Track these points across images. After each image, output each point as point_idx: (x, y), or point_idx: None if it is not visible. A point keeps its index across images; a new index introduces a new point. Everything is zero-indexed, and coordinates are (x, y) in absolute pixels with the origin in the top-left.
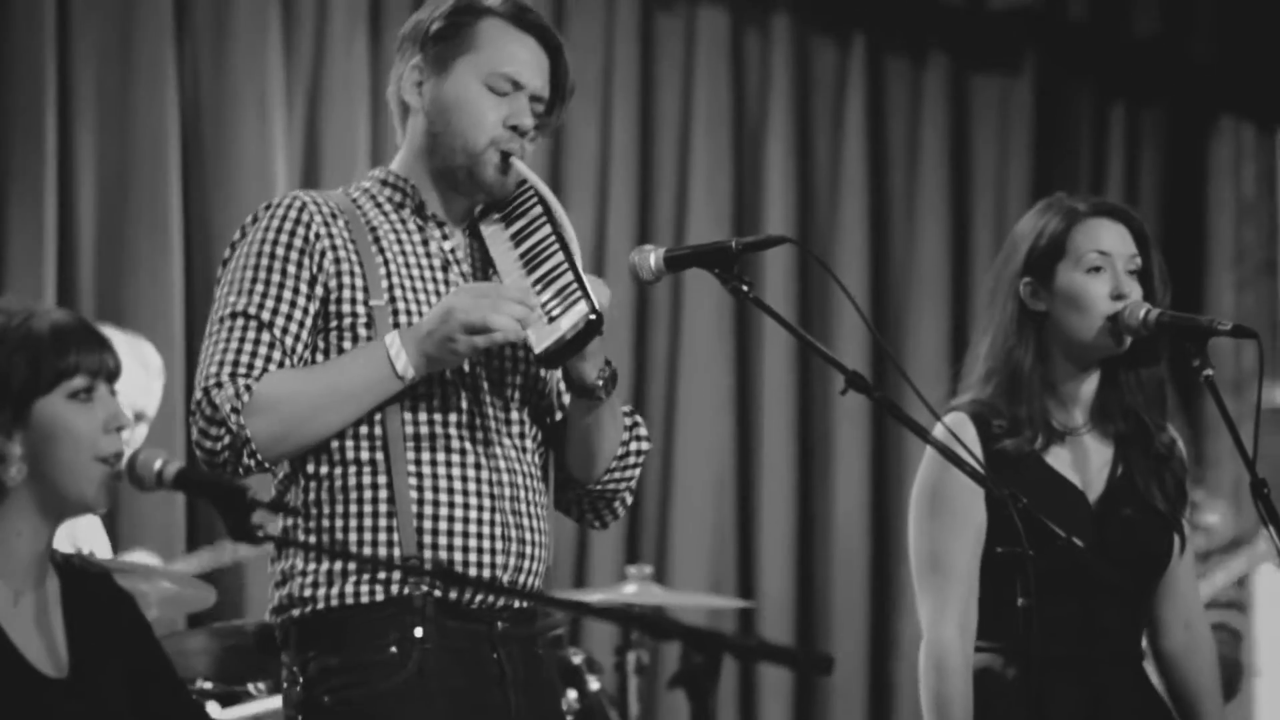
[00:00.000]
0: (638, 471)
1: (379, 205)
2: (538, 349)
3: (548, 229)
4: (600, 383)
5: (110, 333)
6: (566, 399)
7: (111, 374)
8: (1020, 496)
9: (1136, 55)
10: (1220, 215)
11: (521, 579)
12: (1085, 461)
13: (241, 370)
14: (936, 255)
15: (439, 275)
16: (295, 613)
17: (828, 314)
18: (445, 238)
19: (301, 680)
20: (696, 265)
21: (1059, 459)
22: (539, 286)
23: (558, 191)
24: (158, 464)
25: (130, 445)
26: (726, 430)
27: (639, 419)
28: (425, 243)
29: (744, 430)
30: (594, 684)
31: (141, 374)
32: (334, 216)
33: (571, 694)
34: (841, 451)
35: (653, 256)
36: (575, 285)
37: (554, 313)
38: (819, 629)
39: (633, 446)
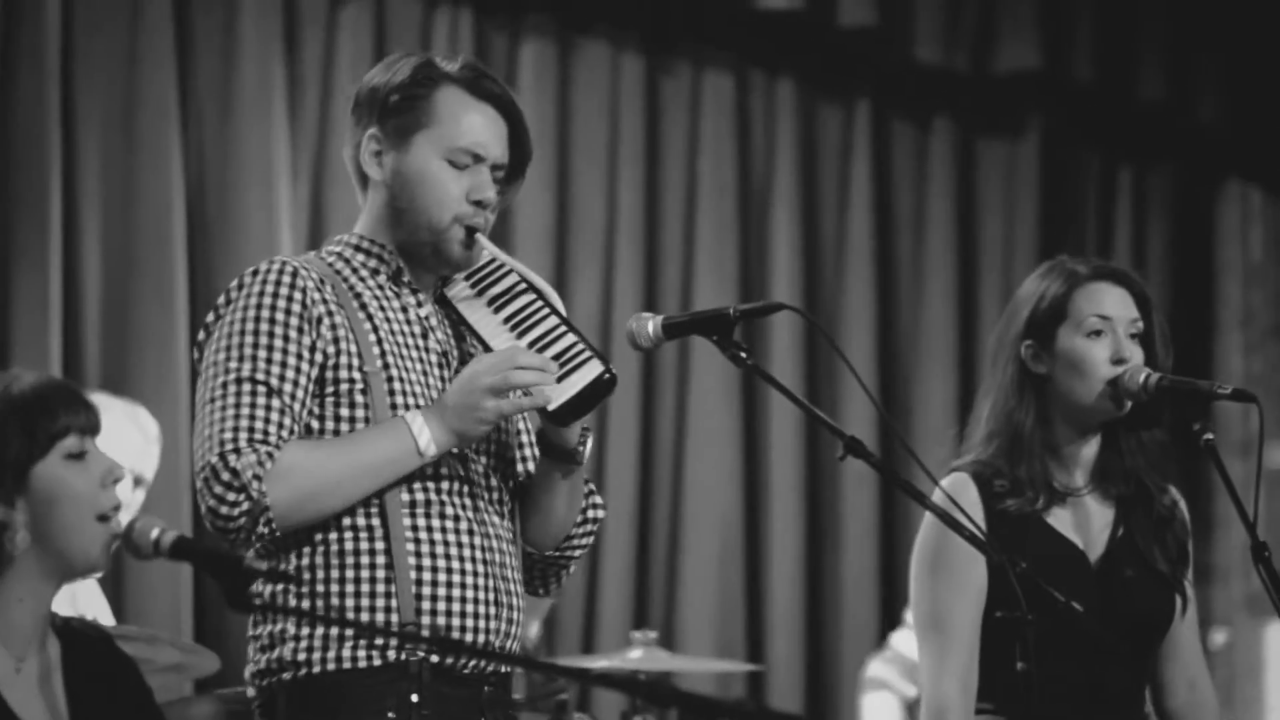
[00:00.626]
0: (591, 540)
1: (355, 270)
2: (550, 406)
3: (530, 294)
4: (580, 448)
5: (106, 399)
6: (530, 466)
7: (95, 430)
8: (1019, 561)
9: (1143, 118)
10: (1228, 278)
11: (509, 644)
12: (1087, 523)
13: (258, 436)
14: (943, 320)
15: (420, 342)
16: (286, 676)
17: (834, 379)
18: (419, 304)
19: None
20: (694, 333)
21: (1060, 520)
22: (536, 349)
23: (563, 259)
24: (155, 532)
25: (128, 510)
26: (734, 496)
27: (594, 488)
28: (404, 309)
29: (751, 496)
30: None
31: (139, 439)
32: (322, 282)
33: None
34: (850, 516)
35: (650, 324)
36: (581, 344)
37: (562, 372)
38: (828, 693)
39: (590, 514)
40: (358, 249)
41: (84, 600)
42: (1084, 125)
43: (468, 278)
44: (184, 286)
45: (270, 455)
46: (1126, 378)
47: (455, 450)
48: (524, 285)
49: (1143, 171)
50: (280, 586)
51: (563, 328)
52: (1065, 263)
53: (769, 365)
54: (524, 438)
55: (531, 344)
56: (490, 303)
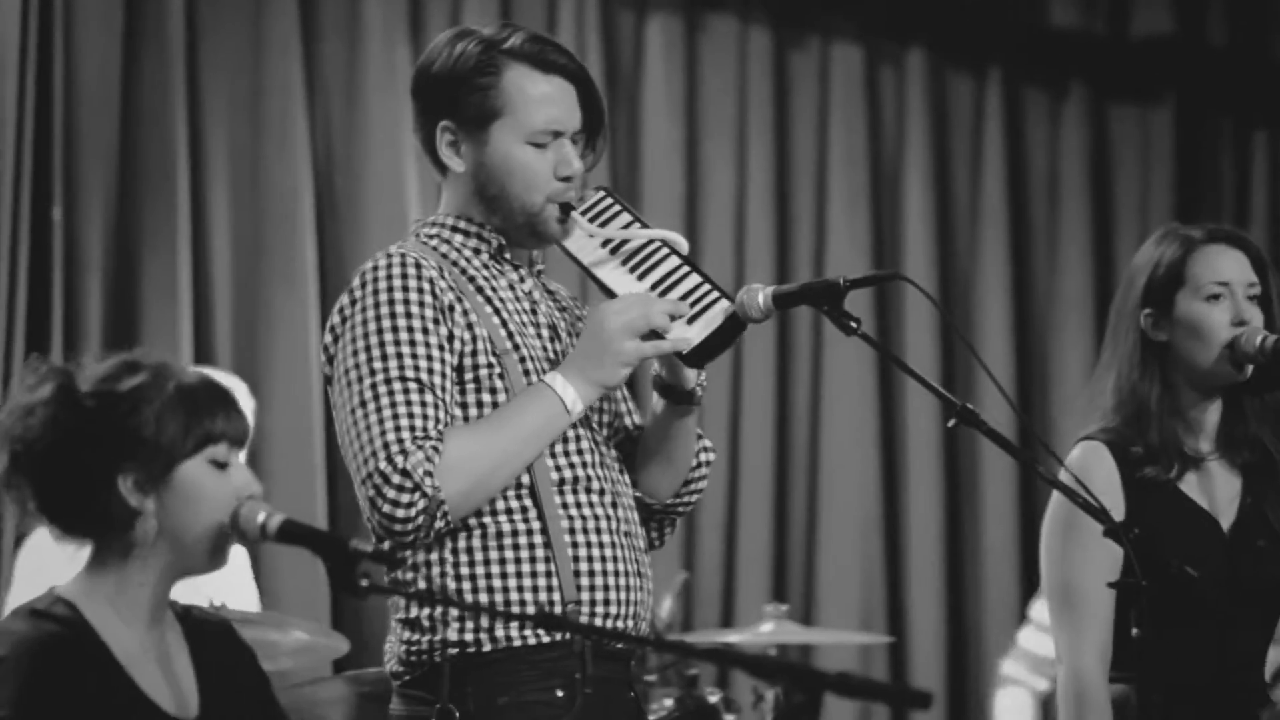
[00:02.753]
0: (705, 484)
1: (459, 251)
2: (685, 349)
3: (640, 232)
4: (699, 388)
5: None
6: (635, 419)
7: (242, 441)
8: (1132, 527)
9: (1278, 81)
10: None
11: (647, 614)
12: (1216, 490)
13: (420, 434)
14: (1079, 286)
15: (531, 317)
16: (452, 652)
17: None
18: (521, 280)
19: (458, 717)
20: (805, 303)
21: (1192, 487)
22: (659, 292)
23: (695, 233)
24: (261, 516)
25: None
26: (872, 467)
27: (700, 431)
28: (510, 286)
29: (889, 467)
30: None
31: None
32: (439, 270)
33: None
34: (989, 485)
35: (761, 295)
36: (706, 284)
37: (692, 313)
38: (969, 665)
39: (702, 458)
40: (455, 230)
41: (232, 581)
42: (1219, 89)
43: (582, 214)
44: (313, 269)
45: (436, 449)
46: (1244, 340)
47: (588, 423)
48: (637, 224)
49: (1278, 135)
50: (436, 570)
51: (685, 267)
52: (1178, 229)
53: (904, 334)
54: (622, 394)
55: (654, 286)
56: (606, 244)
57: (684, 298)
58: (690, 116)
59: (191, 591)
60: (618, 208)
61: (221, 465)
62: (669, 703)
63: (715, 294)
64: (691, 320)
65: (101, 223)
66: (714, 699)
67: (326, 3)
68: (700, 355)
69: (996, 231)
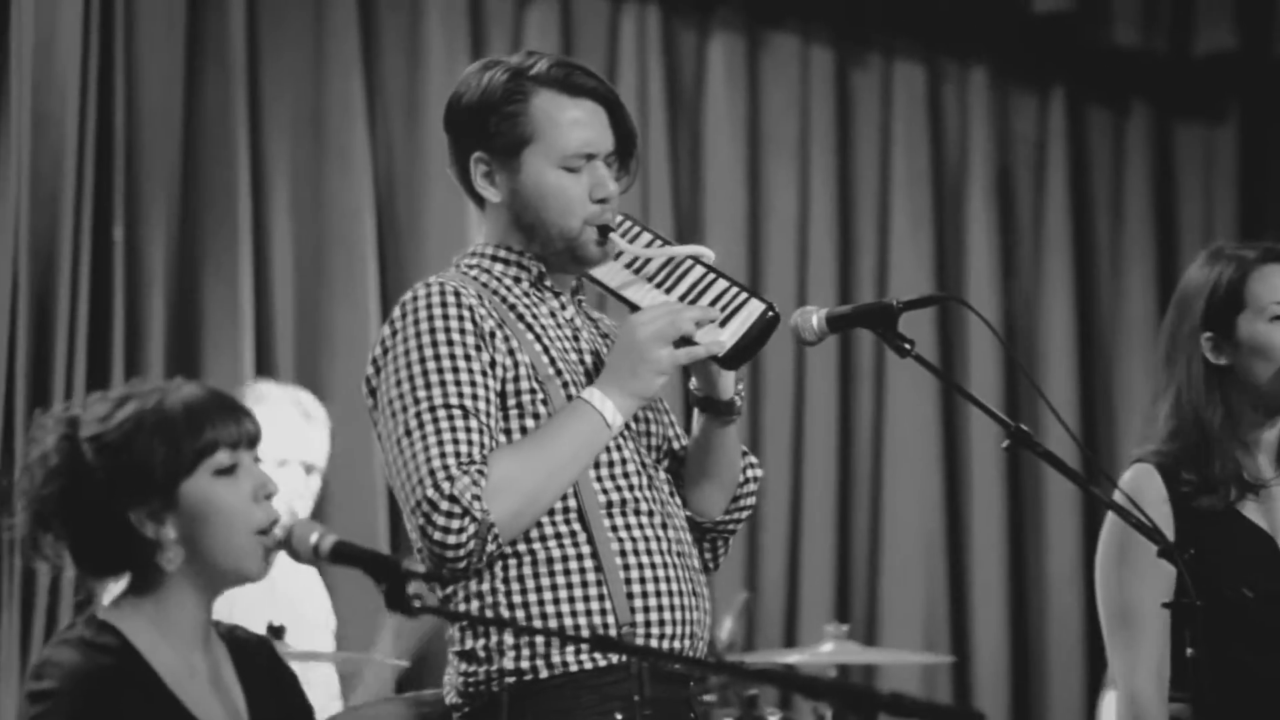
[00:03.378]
0: (754, 500)
1: (499, 280)
2: (720, 352)
3: (671, 249)
4: (738, 398)
5: (266, 387)
6: (682, 443)
7: (252, 441)
8: (1187, 548)
9: None
10: None
11: (705, 634)
12: (1275, 511)
13: (465, 460)
14: (1143, 307)
15: (573, 344)
16: (509, 681)
17: (1034, 369)
18: (563, 306)
19: None
20: (859, 325)
21: (1252, 511)
22: (689, 301)
23: (757, 253)
24: (314, 537)
25: (306, 497)
26: (935, 486)
27: (745, 448)
28: (552, 313)
29: (952, 486)
30: None
31: (304, 424)
32: (479, 298)
33: None
34: (1052, 505)
35: (815, 318)
36: (735, 287)
37: (723, 316)
38: (1033, 685)
39: (749, 474)
40: (495, 259)
41: (306, 599)
42: None
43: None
44: (375, 289)
45: (481, 473)
46: None
47: (634, 444)
48: (660, 242)
49: None
50: (488, 600)
51: (711, 274)
52: (1226, 249)
53: (967, 355)
54: (668, 417)
55: (682, 297)
56: (630, 264)
57: (713, 303)
58: (752, 136)
59: (259, 614)
60: (639, 230)
61: (229, 473)
62: None
63: (744, 295)
64: (724, 324)
65: (163, 243)
66: (773, 719)
67: (388, 23)
68: (736, 357)
69: (1060, 251)
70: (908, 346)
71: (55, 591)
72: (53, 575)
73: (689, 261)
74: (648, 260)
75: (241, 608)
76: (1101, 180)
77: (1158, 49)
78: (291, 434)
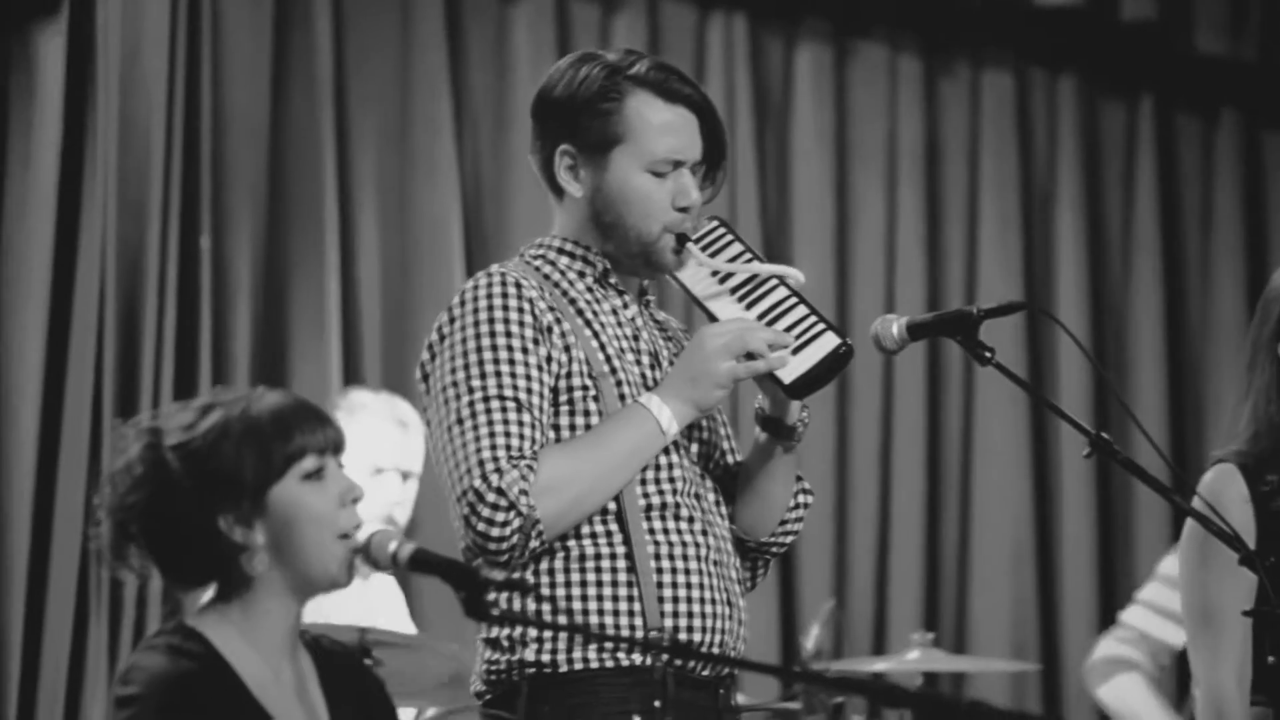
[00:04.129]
0: (801, 526)
1: (562, 273)
2: (787, 379)
3: (756, 266)
4: (801, 425)
5: (361, 396)
6: (734, 459)
7: (337, 447)
8: (1268, 555)
9: None
10: None
11: (739, 645)
12: None
13: (515, 453)
14: (1233, 314)
15: (632, 344)
16: (529, 672)
17: (1124, 376)
18: (625, 306)
19: None
20: (939, 334)
21: None
22: (766, 322)
23: (844, 262)
24: (393, 545)
25: (404, 505)
26: (1024, 493)
27: (800, 474)
28: (613, 311)
29: (1042, 493)
30: None
31: (399, 432)
32: (540, 291)
33: None
34: (1141, 512)
35: (895, 326)
36: (814, 317)
37: (797, 344)
38: None
39: (800, 500)
40: (561, 252)
41: (381, 607)
42: None
43: (694, 243)
44: None
45: (531, 469)
46: None
47: (682, 451)
48: (749, 256)
49: None
50: (534, 599)
51: (794, 299)
52: None
53: (1056, 363)
54: (724, 430)
55: (761, 316)
56: (717, 275)
57: (790, 328)
58: (840, 145)
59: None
60: (730, 238)
61: (315, 477)
62: None
63: (821, 326)
64: (796, 351)
65: (250, 252)
66: None
67: (474, 34)
68: (801, 387)
69: (1149, 259)
70: (988, 355)
71: (143, 602)
72: (139, 585)
73: (774, 281)
74: (734, 272)
75: (320, 616)
76: (1190, 188)
77: (1244, 57)
78: (388, 442)
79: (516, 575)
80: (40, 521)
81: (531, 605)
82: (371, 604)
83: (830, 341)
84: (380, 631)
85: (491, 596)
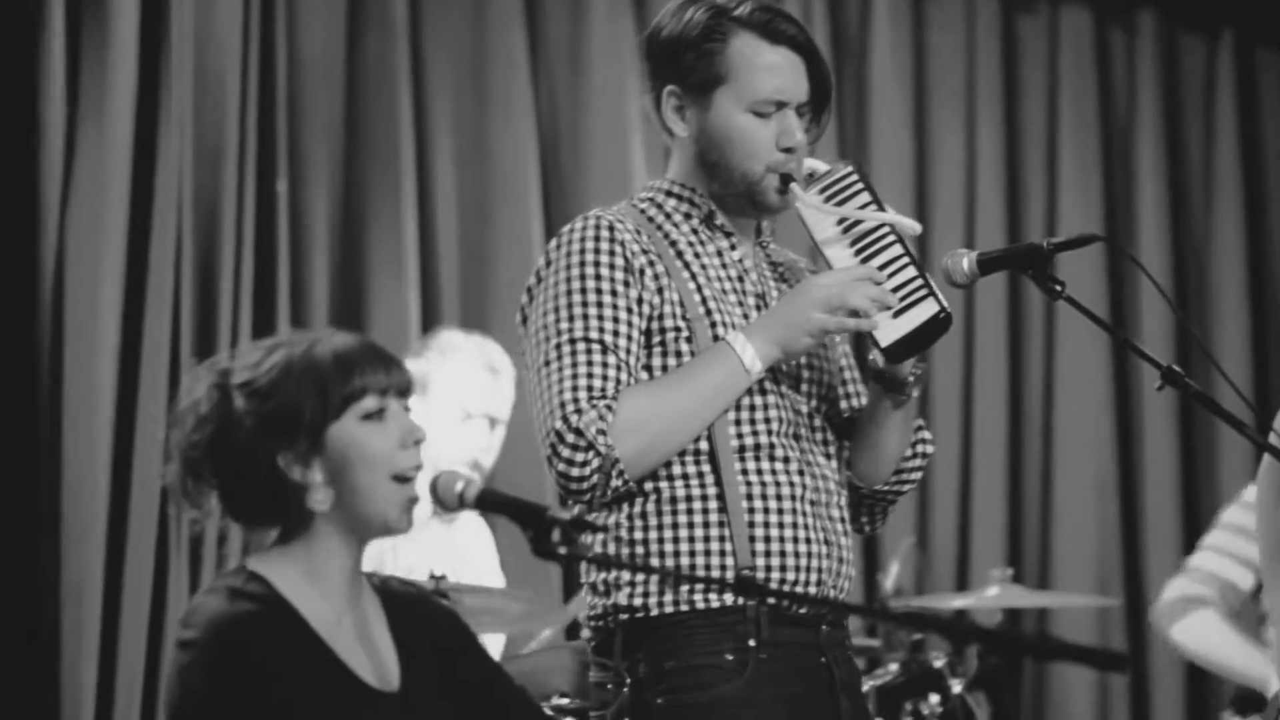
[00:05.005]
0: (920, 475)
1: (668, 215)
2: (883, 343)
3: (880, 215)
4: (911, 379)
5: (453, 338)
6: (856, 401)
7: (402, 390)
8: None
9: None
10: None
11: (841, 584)
12: None
13: (596, 394)
14: None
15: (737, 284)
16: (623, 618)
17: (1205, 313)
18: (733, 247)
19: (629, 682)
20: (1009, 268)
21: None
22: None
23: (924, 202)
24: (459, 485)
25: (491, 451)
26: (1106, 430)
27: (923, 423)
28: (719, 253)
29: (1124, 429)
30: (956, 687)
31: (489, 378)
32: (638, 233)
33: (934, 698)
34: (1224, 447)
35: (965, 260)
36: (920, 280)
37: (898, 307)
38: None
39: (919, 449)
40: (669, 194)
41: (471, 555)
42: None
43: (821, 190)
44: (539, 239)
45: (609, 409)
46: None
47: (783, 391)
48: (874, 205)
49: None
50: (614, 534)
51: (905, 259)
52: None
53: (1139, 301)
54: (848, 374)
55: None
56: (838, 219)
57: (895, 290)
58: (918, 85)
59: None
60: (859, 185)
61: (376, 417)
62: (894, 667)
63: (924, 291)
64: (898, 314)
65: (327, 196)
66: (939, 664)
67: None
68: (896, 351)
69: (1230, 197)
70: (1059, 288)
71: (224, 544)
72: (220, 528)
73: (891, 237)
74: (857, 220)
75: (406, 565)
76: (1271, 123)
77: None
78: (478, 388)
79: (586, 515)
80: (119, 470)
81: (625, 550)
82: (461, 552)
83: (929, 308)
84: (453, 584)
85: (558, 535)
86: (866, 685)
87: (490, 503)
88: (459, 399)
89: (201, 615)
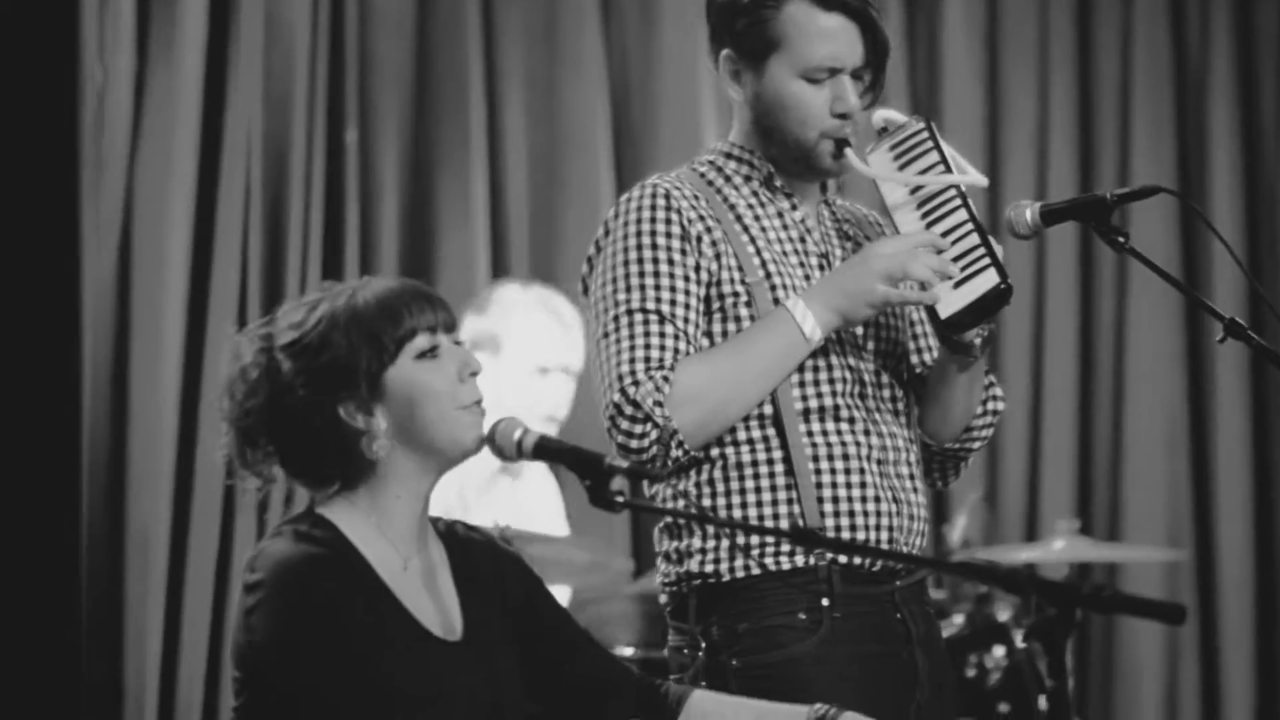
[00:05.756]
0: (990, 432)
1: (728, 178)
2: (944, 314)
3: (948, 178)
4: (978, 340)
5: (515, 291)
6: (927, 357)
7: (449, 325)
8: None
9: None
10: None
11: (913, 540)
12: None
13: (654, 365)
14: None
15: (799, 245)
16: (696, 583)
17: (1277, 264)
18: (794, 208)
19: (704, 645)
20: (1072, 219)
21: None
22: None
23: (996, 157)
24: (517, 434)
25: (566, 405)
26: (1177, 380)
27: (994, 379)
28: (779, 214)
29: (1195, 381)
30: (1020, 640)
31: (557, 328)
32: (696, 199)
33: (999, 651)
34: None
35: (1028, 211)
36: (982, 249)
37: (960, 277)
38: (1279, 578)
39: (990, 406)
40: (729, 156)
41: (537, 509)
42: None
43: (891, 147)
44: (609, 193)
45: (666, 380)
46: None
47: (847, 351)
48: (942, 165)
49: None
50: (683, 503)
51: (969, 225)
52: None
53: (1210, 256)
54: (919, 328)
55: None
56: (907, 183)
57: (958, 258)
58: (990, 39)
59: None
60: (929, 144)
61: (430, 355)
62: (959, 620)
63: (986, 261)
64: (959, 284)
65: (396, 147)
66: (1004, 617)
67: None
68: (956, 324)
69: None
70: (1122, 240)
71: (289, 498)
72: (267, 492)
73: (957, 201)
74: (925, 182)
75: (473, 514)
76: None
77: None
78: (549, 341)
79: (641, 463)
80: (186, 420)
81: (680, 502)
82: (529, 508)
83: (990, 280)
84: (519, 533)
85: (617, 486)
86: None
87: (548, 451)
88: (532, 354)
89: (267, 558)
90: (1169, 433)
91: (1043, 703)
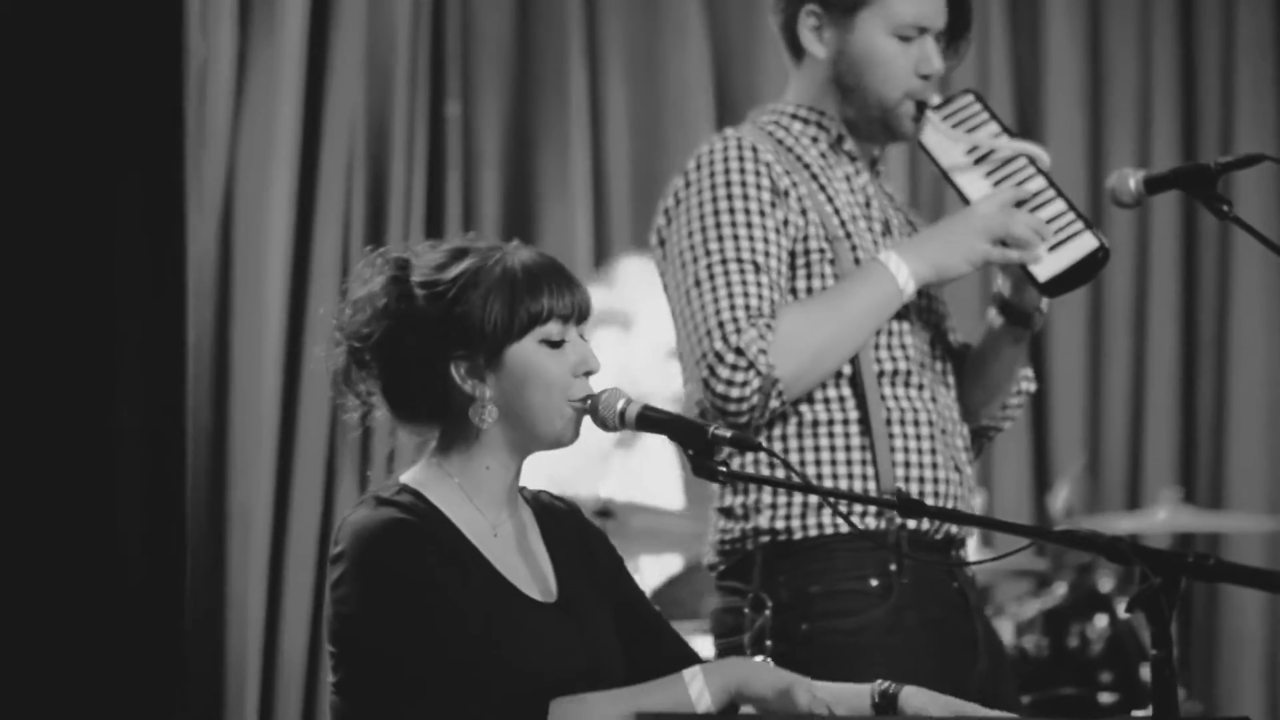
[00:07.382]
0: (1020, 413)
1: (796, 139)
2: (1041, 278)
3: (1013, 146)
4: (1037, 312)
5: (646, 263)
6: (958, 338)
7: (584, 314)
8: None
9: None
10: None
11: (966, 508)
12: None
13: (754, 314)
14: None
15: (865, 211)
16: (764, 540)
17: None
18: (857, 173)
19: (770, 605)
20: (1176, 187)
21: None
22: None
23: (1097, 121)
24: (620, 404)
25: (665, 377)
26: None
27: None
28: (845, 178)
29: None
30: (1123, 610)
31: None
32: (775, 154)
33: (1101, 621)
34: None
35: (1132, 180)
36: (1072, 214)
37: (1054, 241)
38: None
39: (1023, 385)
40: (794, 117)
41: (654, 480)
42: None
43: (946, 118)
44: None
45: (769, 327)
46: None
47: (919, 319)
48: (999, 131)
49: None
50: (753, 457)
51: (1051, 191)
52: None
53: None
54: (946, 309)
55: (1018, 203)
56: (968, 150)
57: (1049, 223)
58: (1093, 5)
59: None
60: (985, 115)
61: (556, 344)
62: (1061, 590)
63: (1080, 225)
64: (1054, 248)
65: (498, 118)
66: (1106, 587)
67: None
68: (1056, 286)
69: None
70: (1225, 208)
71: (391, 459)
72: (390, 447)
73: (1030, 168)
74: (989, 150)
75: (587, 486)
76: None
77: None
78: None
79: (745, 434)
80: (288, 397)
81: (766, 473)
82: (643, 479)
83: (1088, 243)
84: (622, 503)
85: (721, 455)
86: (1035, 607)
87: (651, 421)
88: (665, 335)
89: (348, 528)
90: (1272, 400)
91: (1145, 673)
